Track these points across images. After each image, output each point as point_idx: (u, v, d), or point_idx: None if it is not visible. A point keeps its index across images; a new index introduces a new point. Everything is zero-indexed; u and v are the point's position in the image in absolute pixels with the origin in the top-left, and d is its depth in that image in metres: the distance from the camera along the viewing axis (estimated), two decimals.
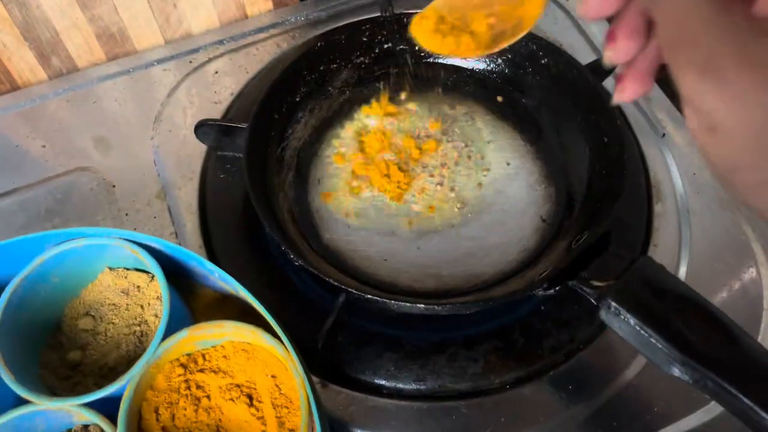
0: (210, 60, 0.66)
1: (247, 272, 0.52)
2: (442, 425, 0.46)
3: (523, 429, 0.45)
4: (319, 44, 0.58)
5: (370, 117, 0.59)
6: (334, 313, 0.45)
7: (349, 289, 0.44)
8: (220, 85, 0.64)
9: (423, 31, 0.39)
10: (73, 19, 0.65)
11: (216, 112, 0.62)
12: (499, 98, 0.59)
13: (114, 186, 0.58)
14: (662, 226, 0.54)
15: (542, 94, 0.58)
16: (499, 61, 0.59)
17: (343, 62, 0.60)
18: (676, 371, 0.36)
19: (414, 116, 0.59)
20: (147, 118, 0.62)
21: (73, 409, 0.39)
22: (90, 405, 0.40)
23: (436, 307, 0.44)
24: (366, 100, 0.60)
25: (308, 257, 0.48)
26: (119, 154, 0.60)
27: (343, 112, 0.59)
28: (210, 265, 0.44)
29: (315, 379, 0.46)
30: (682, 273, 0.51)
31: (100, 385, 0.40)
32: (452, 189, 0.54)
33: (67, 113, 0.63)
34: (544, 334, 0.49)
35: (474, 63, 0.61)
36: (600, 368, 0.47)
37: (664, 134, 0.59)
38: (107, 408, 0.40)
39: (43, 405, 0.39)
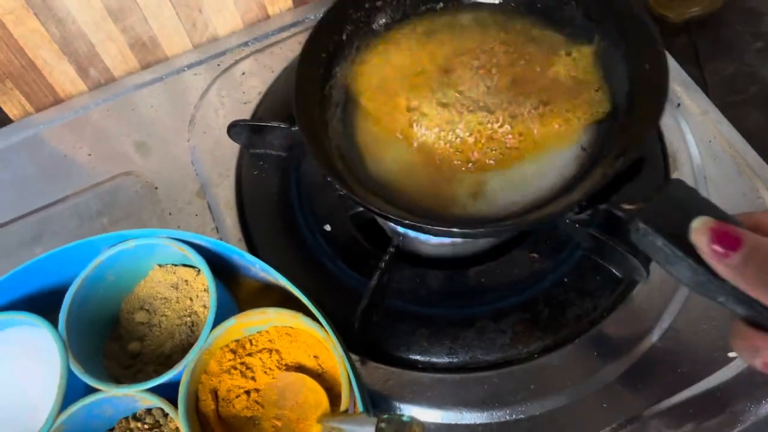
0: (237, 62, 0.69)
1: (284, 261, 0.55)
2: (475, 395, 0.49)
3: (551, 394, 0.48)
4: None
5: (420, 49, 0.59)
6: (367, 295, 0.48)
7: (389, 215, 0.46)
8: (248, 86, 0.67)
9: None
10: (107, 31, 0.68)
11: (246, 112, 0.65)
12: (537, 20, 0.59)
13: (156, 188, 0.62)
14: None
15: (586, 22, 0.57)
16: None
17: None
18: (703, 290, 0.36)
19: (460, 47, 0.59)
20: (182, 121, 0.66)
21: (137, 394, 0.44)
22: (152, 390, 0.44)
23: (469, 230, 0.46)
24: (411, 34, 0.60)
25: (355, 190, 0.50)
26: (159, 157, 0.64)
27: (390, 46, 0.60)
28: (251, 258, 0.47)
29: (354, 357, 0.50)
30: None
31: (159, 372, 0.44)
32: (499, 121, 0.53)
33: (108, 121, 0.67)
34: (568, 304, 0.51)
35: None
36: (623, 334, 0.50)
37: (679, 104, 0.60)
38: (167, 392, 0.44)
39: (110, 392, 0.43)
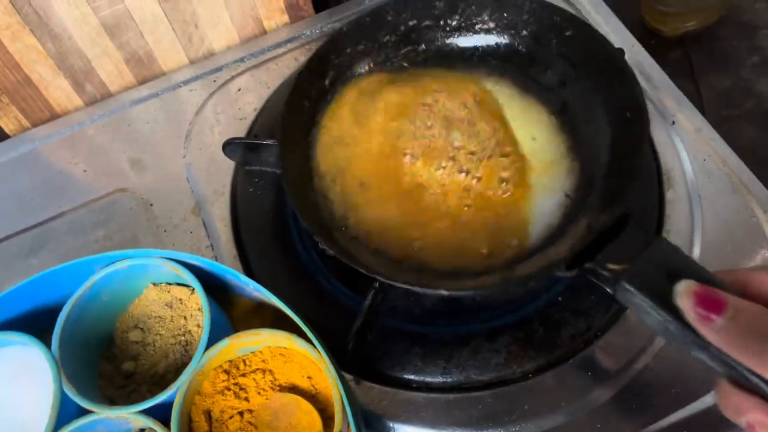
0: (233, 78, 0.69)
1: (279, 278, 0.55)
2: (469, 414, 0.49)
3: (546, 414, 0.48)
4: (344, 28, 0.59)
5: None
6: (362, 315, 0.48)
7: (379, 277, 0.46)
8: (244, 101, 0.67)
9: None
10: (103, 47, 0.69)
11: (241, 128, 0.65)
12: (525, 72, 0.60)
13: (152, 204, 0.62)
14: (674, 212, 0.55)
15: (566, 66, 0.58)
16: (524, 33, 0.60)
17: (370, 43, 0.61)
18: (692, 352, 0.36)
19: (438, 94, 0.60)
20: (177, 137, 0.66)
21: (130, 416, 0.43)
22: (145, 411, 0.43)
23: (459, 292, 0.47)
24: (391, 80, 0.61)
25: (342, 247, 0.50)
26: (154, 174, 0.64)
27: (369, 93, 0.60)
28: (245, 279, 0.47)
29: (348, 376, 0.50)
30: (695, 256, 0.53)
31: (153, 392, 0.44)
32: (478, 166, 0.55)
33: (104, 137, 0.67)
34: (562, 323, 0.51)
35: (498, 38, 0.61)
36: (617, 354, 0.50)
37: (673, 122, 0.60)
38: (160, 413, 0.44)
39: (103, 414, 0.43)
